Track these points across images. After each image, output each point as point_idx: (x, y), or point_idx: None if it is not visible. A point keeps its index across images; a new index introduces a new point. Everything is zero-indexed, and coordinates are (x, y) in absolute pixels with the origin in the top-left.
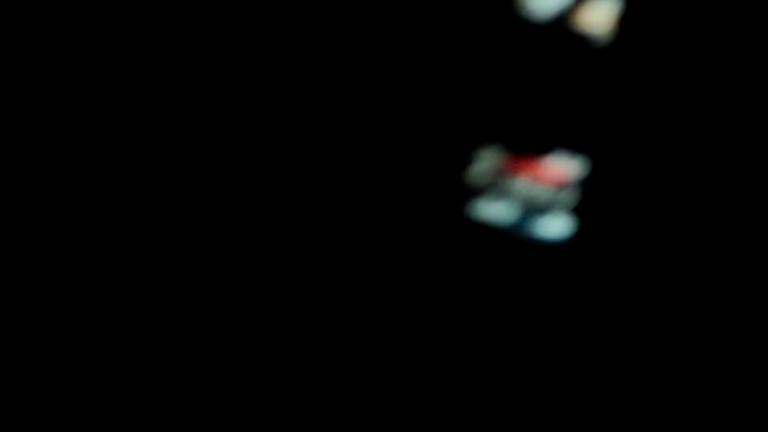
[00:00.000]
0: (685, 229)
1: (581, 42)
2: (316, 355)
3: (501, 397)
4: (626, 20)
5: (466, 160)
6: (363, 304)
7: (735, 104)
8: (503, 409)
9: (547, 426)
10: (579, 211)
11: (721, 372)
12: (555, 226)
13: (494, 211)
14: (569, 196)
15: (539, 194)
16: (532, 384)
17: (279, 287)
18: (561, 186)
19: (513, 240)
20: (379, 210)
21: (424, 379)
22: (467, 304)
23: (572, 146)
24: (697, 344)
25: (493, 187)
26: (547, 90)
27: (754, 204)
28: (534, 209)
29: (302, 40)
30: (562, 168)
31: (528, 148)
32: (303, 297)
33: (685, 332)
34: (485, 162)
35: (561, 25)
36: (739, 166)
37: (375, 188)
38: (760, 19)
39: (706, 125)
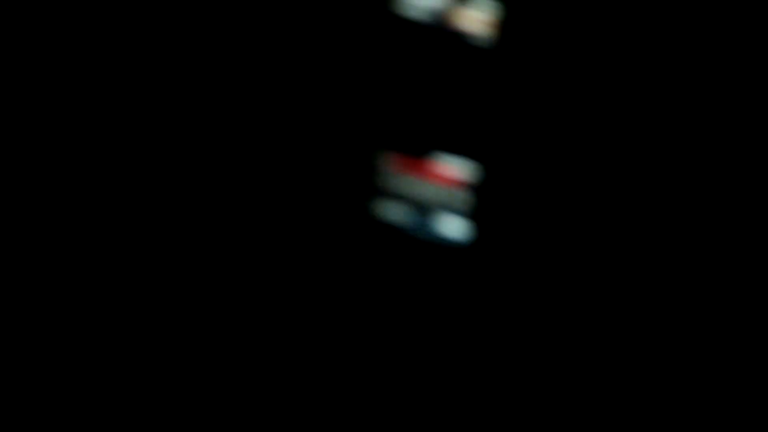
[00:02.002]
0: (578, 227)
1: (463, 41)
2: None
3: (399, 392)
4: (509, 21)
5: (358, 162)
6: (267, 301)
7: (624, 103)
8: (392, 402)
9: (439, 419)
10: (473, 210)
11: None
12: (451, 226)
13: (391, 211)
14: (462, 196)
15: (433, 194)
16: (431, 378)
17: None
18: (454, 186)
19: (411, 239)
20: (279, 211)
21: (321, 371)
22: (368, 300)
23: (461, 148)
24: (601, 340)
25: (388, 189)
26: (429, 90)
27: (651, 200)
28: (429, 209)
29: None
30: (453, 169)
31: (415, 149)
32: (209, 293)
33: (588, 328)
34: (377, 164)
35: (440, 24)
36: (626, 163)
37: (269, 190)
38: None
39: (595, 125)
